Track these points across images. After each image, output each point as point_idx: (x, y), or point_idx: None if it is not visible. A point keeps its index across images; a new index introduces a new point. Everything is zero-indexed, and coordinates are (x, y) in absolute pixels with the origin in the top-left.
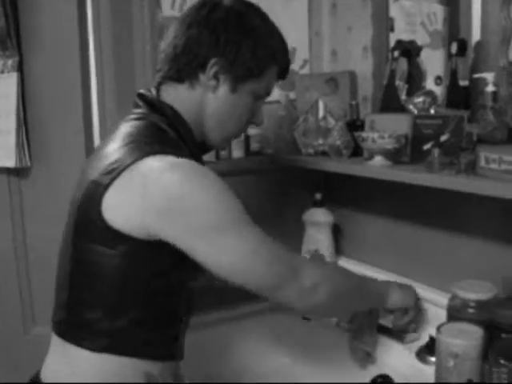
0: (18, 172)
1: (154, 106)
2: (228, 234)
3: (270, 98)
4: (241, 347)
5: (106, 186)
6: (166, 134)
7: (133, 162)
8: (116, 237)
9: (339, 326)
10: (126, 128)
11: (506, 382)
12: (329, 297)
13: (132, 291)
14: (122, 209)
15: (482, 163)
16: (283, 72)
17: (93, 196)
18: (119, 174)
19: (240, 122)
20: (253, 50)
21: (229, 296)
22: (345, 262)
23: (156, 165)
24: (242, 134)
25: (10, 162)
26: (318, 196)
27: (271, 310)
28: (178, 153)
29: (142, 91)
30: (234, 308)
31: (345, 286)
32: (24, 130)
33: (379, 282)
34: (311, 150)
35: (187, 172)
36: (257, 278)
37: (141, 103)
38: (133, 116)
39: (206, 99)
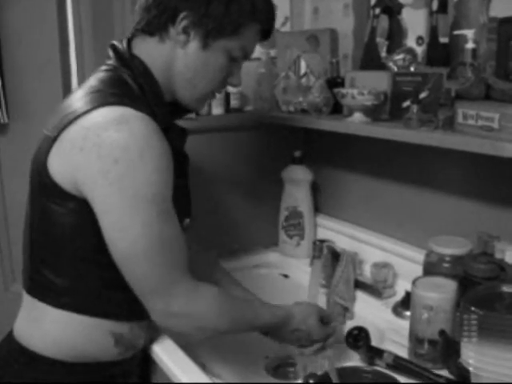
0: None
1: (124, 59)
2: (137, 218)
3: None
4: None
5: (54, 139)
6: (130, 87)
7: (83, 113)
8: (61, 193)
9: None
10: (91, 80)
11: (475, 328)
12: (187, 330)
13: (85, 251)
14: (62, 162)
15: (460, 119)
16: (265, 33)
17: (43, 150)
18: (67, 125)
19: (212, 82)
20: (226, 5)
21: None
22: (323, 220)
23: (102, 118)
24: (221, 92)
25: None
26: (298, 153)
27: (255, 266)
28: (135, 106)
29: (114, 42)
30: None
31: (216, 324)
32: (1, 86)
33: (277, 309)
34: (291, 108)
35: (132, 132)
36: (137, 274)
37: (112, 55)
38: (102, 67)
39: (175, 54)
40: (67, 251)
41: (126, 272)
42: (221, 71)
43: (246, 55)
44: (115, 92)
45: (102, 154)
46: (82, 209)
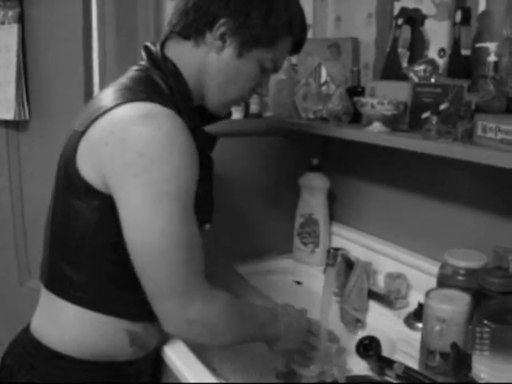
0: (16, 125)
1: (156, 60)
2: (160, 214)
3: None
4: None
5: (82, 134)
6: (160, 88)
7: (111, 108)
8: (87, 190)
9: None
10: (122, 79)
11: (487, 341)
12: (197, 339)
13: (105, 248)
14: (89, 157)
15: (479, 132)
16: (297, 46)
17: (71, 146)
18: (95, 120)
19: (242, 89)
20: (265, 18)
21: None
22: (338, 228)
23: (130, 113)
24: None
25: (9, 115)
26: (315, 161)
27: (268, 272)
28: (163, 103)
29: (148, 44)
30: None
31: (230, 337)
32: (24, 83)
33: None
34: (311, 115)
35: (159, 128)
36: (155, 274)
37: (144, 56)
38: (134, 67)
39: (208, 59)
40: (87, 247)
41: (142, 270)
42: (251, 80)
43: (277, 67)
44: (144, 90)
45: (128, 147)
46: (106, 206)
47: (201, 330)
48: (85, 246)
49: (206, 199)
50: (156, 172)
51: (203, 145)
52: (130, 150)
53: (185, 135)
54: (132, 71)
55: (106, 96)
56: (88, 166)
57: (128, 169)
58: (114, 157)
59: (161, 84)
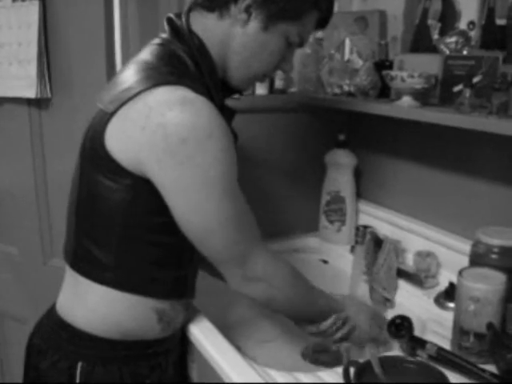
0: (38, 103)
1: (181, 33)
2: (211, 196)
3: None
4: None
5: (111, 115)
6: (186, 65)
7: (142, 91)
8: (118, 169)
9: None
10: (145, 54)
11: None
12: (263, 296)
13: (134, 227)
14: (122, 139)
15: None
16: (323, 21)
17: (99, 125)
18: (126, 102)
19: (267, 64)
20: None
21: None
22: (365, 206)
23: (165, 97)
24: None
25: (31, 92)
26: (342, 137)
27: (294, 251)
28: (194, 87)
29: (171, 15)
30: None
31: (287, 295)
32: (45, 60)
33: (332, 300)
34: (337, 90)
35: (197, 113)
36: (216, 247)
37: (167, 29)
38: (155, 41)
39: (233, 33)
40: (115, 227)
41: (204, 247)
42: (276, 55)
43: (302, 42)
44: (172, 70)
45: (168, 133)
46: (137, 186)
47: (263, 287)
48: (114, 226)
49: None
50: (201, 157)
51: (227, 120)
52: (172, 137)
53: (220, 119)
54: (154, 45)
55: (132, 75)
56: (120, 148)
57: (171, 156)
58: (153, 143)
59: (186, 59)
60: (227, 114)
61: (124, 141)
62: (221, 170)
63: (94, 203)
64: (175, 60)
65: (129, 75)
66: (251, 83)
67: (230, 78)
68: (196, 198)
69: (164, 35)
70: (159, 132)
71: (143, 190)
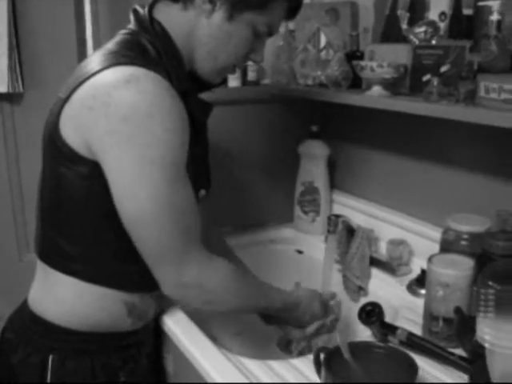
0: (10, 98)
1: (144, 22)
2: (147, 180)
3: None
4: None
5: (64, 101)
6: (147, 51)
7: (93, 74)
8: (74, 157)
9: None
10: (109, 44)
11: (492, 303)
12: (197, 301)
13: (97, 218)
14: (73, 123)
15: (482, 93)
16: (292, 10)
17: (54, 114)
18: (78, 86)
19: (234, 55)
20: None
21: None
22: (339, 196)
23: (112, 77)
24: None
25: (3, 87)
26: (315, 128)
27: (270, 242)
28: (147, 66)
29: (136, 6)
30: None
31: (223, 299)
32: (16, 54)
33: (285, 293)
34: (309, 81)
35: (142, 91)
36: (146, 239)
37: (132, 19)
38: (122, 31)
39: (198, 24)
40: (78, 217)
41: (136, 237)
42: (244, 45)
43: (271, 32)
44: (128, 53)
45: (111, 112)
46: (94, 173)
47: (197, 294)
48: (76, 215)
49: (200, 165)
50: (141, 137)
51: (197, 111)
52: (114, 116)
53: (170, 98)
54: (119, 35)
55: (91, 62)
56: (72, 133)
57: (112, 135)
58: (97, 122)
59: (148, 47)
60: (201, 105)
61: (75, 124)
62: (162, 153)
63: (56, 194)
64: (136, 46)
65: (89, 62)
66: (221, 75)
67: (198, 70)
68: (131, 181)
69: (130, 26)
70: (103, 111)
71: (99, 177)
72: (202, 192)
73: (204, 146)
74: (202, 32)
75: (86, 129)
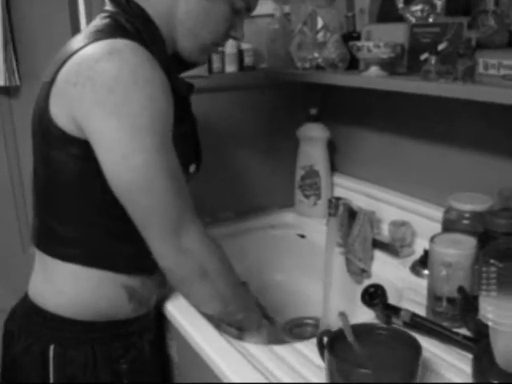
0: (7, 91)
1: (121, 3)
2: (139, 147)
3: (262, 12)
4: (242, 261)
5: (51, 82)
6: (126, 30)
7: (75, 52)
8: (64, 138)
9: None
10: (88, 27)
11: (494, 281)
12: (194, 271)
13: (92, 199)
14: (61, 102)
15: (481, 69)
16: None
17: (42, 97)
18: (61, 66)
19: (214, 32)
20: None
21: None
22: (340, 178)
23: (94, 51)
24: (234, 49)
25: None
26: (314, 111)
27: (271, 227)
28: (128, 38)
29: None
30: (230, 224)
31: (221, 274)
32: (12, 48)
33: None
34: (307, 64)
35: (124, 61)
36: (143, 206)
37: (107, 1)
38: (100, 15)
39: (176, 2)
40: (72, 200)
41: (132, 208)
42: (223, 22)
43: (249, 8)
44: (109, 30)
45: (96, 85)
46: (86, 153)
47: (195, 261)
48: (70, 198)
49: (188, 140)
50: (128, 106)
51: (179, 86)
52: (99, 88)
53: (151, 66)
54: (98, 19)
55: (72, 43)
56: (60, 112)
57: (100, 107)
58: (83, 97)
59: (127, 26)
60: (183, 84)
61: (62, 103)
62: (150, 121)
63: (49, 178)
64: (116, 26)
65: (68, 44)
66: (203, 53)
67: (180, 50)
68: (121, 149)
69: (108, 7)
70: (88, 85)
71: (91, 157)
72: (193, 167)
73: (192, 123)
74: (180, 10)
75: (72, 105)
